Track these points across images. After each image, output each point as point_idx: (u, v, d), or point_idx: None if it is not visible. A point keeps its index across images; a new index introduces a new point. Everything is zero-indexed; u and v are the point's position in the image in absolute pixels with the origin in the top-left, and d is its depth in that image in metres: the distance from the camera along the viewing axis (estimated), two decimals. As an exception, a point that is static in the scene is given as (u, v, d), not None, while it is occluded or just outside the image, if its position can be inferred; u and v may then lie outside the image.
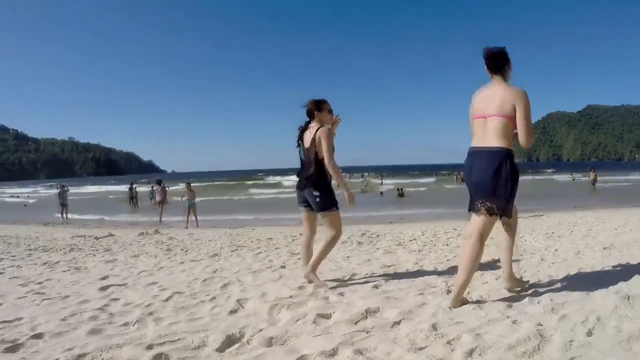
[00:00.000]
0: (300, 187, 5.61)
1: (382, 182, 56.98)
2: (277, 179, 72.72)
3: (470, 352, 3.16)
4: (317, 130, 5.35)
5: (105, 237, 12.98)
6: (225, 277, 6.22)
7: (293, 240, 10.56)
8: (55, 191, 30.53)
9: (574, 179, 55.14)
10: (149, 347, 3.49)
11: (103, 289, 5.76)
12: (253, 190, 50.90)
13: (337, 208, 5.47)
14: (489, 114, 4.20)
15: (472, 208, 4.36)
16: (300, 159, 5.62)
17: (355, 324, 3.93)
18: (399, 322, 3.90)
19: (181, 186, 25.34)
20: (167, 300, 5.04)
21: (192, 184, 20.66)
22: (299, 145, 5.62)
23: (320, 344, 3.41)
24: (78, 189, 62.87)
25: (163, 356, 3.30)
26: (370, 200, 30.05)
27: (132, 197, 34.18)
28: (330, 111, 5.66)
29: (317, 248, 5.63)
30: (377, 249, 8.52)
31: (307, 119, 5.62)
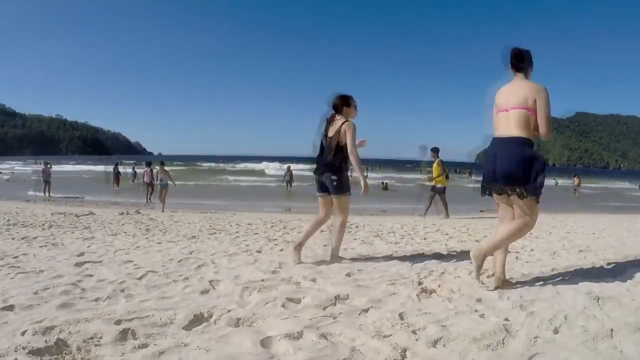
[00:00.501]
0: (318, 172, 6.10)
1: (367, 175, 56.85)
2: (262, 165, 72.26)
3: (434, 342, 3.19)
4: (343, 123, 5.86)
5: (86, 215, 12.96)
6: (201, 258, 6.23)
7: (272, 226, 10.61)
8: (34, 167, 30.13)
9: (557, 184, 55.43)
10: (117, 322, 3.49)
11: (78, 265, 5.77)
12: (236, 177, 50.51)
13: (350, 193, 6.07)
14: (511, 106, 4.52)
15: (500, 192, 4.65)
16: (321, 146, 6.09)
17: (324, 309, 3.96)
18: (367, 310, 3.93)
19: (170, 169, 25.02)
20: (140, 278, 5.05)
21: (176, 168, 20.62)
22: (325, 134, 6.03)
23: (286, 327, 3.42)
24: (62, 167, 62.36)
25: (130, 331, 3.30)
26: (353, 193, 30.10)
27: (116, 176, 34.00)
28: (356, 107, 6.18)
29: (332, 237, 6.33)
30: (355, 239, 8.56)
31: (333, 112, 6.09)
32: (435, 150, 15.84)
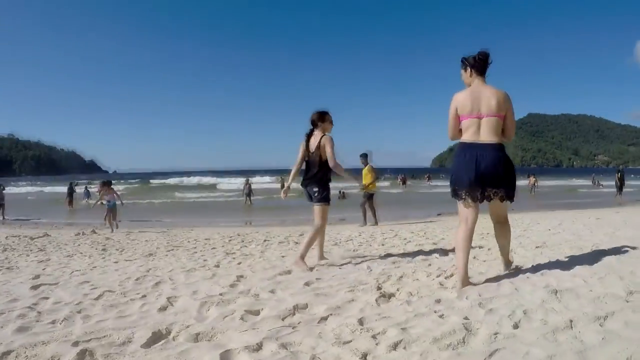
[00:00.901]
0: (304, 184, 6.72)
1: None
2: (213, 180, 70.82)
3: (395, 346, 3.21)
4: (321, 138, 6.53)
5: (41, 237, 12.70)
6: (158, 276, 6.19)
7: (230, 240, 10.55)
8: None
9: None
10: (75, 343, 3.44)
11: (34, 288, 5.65)
12: (189, 193, 49.33)
13: (328, 204, 6.70)
14: (485, 113, 4.73)
15: (473, 197, 4.83)
16: (305, 160, 6.76)
17: (283, 319, 3.96)
18: (326, 318, 3.95)
19: (125, 187, 24.26)
20: (97, 298, 4.98)
21: (130, 185, 20.22)
22: (307, 147, 6.68)
23: (246, 339, 3.42)
24: (16, 188, 61.08)
25: (87, 352, 3.26)
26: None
27: (70, 197, 33.36)
28: (331, 122, 6.79)
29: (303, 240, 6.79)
30: (313, 248, 8.55)
31: (311, 127, 6.74)
32: (365, 156, 15.42)
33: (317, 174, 6.59)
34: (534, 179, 39.32)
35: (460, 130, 4.93)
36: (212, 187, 58.48)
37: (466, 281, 4.88)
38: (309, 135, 6.75)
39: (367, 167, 15.36)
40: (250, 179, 35.30)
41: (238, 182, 44.59)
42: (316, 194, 6.60)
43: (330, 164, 6.49)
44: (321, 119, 6.70)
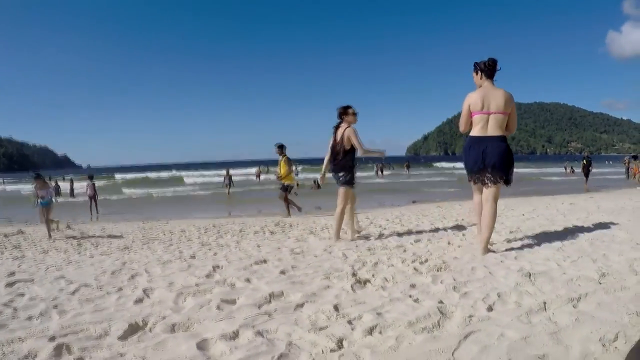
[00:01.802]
0: (332, 170, 7.72)
1: (297, 173, 56.03)
2: (182, 173, 68.36)
3: (370, 330, 3.27)
4: (345, 129, 7.49)
5: (15, 234, 12.55)
6: (134, 268, 6.18)
7: (206, 232, 10.55)
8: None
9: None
10: (51, 338, 3.44)
11: (9, 285, 5.59)
12: (159, 189, 48.02)
13: (352, 187, 7.72)
14: (492, 111, 5.78)
15: (481, 181, 6.00)
16: (333, 150, 7.64)
17: (259, 308, 3.99)
18: (302, 305, 4.00)
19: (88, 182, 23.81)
20: (73, 293, 4.95)
21: (111, 180, 20.08)
22: (334, 139, 7.61)
23: (222, 328, 3.46)
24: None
25: (65, 347, 3.26)
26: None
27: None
28: (354, 113, 7.70)
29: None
30: (289, 237, 8.61)
31: (338, 120, 7.67)
32: (281, 147, 15.09)
33: (341, 161, 7.54)
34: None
35: (471, 124, 5.98)
36: (180, 180, 57.06)
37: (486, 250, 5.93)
38: (336, 127, 7.68)
39: (283, 158, 15.04)
40: (229, 169, 35.26)
41: (210, 174, 44.09)
42: (342, 179, 7.61)
43: (360, 152, 7.59)
44: (344, 112, 7.64)
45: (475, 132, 5.90)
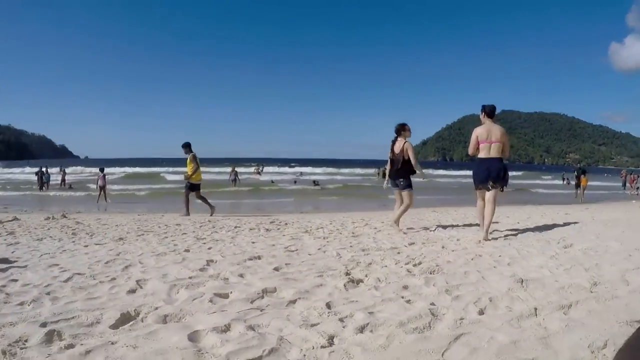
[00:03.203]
0: (392, 177, 9.41)
1: (261, 171, 55.41)
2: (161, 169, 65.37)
3: (362, 328, 3.28)
4: (404, 143, 9.17)
5: (10, 221, 12.51)
6: (128, 259, 6.17)
7: (201, 226, 10.57)
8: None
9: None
10: (43, 324, 3.44)
11: (2, 270, 5.58)
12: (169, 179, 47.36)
13: (412, 188, 9.39)
14: (493, 141, 7.88)
15: (486, 188, 8.02)
16: (390, 159, 9.38)
17: (252, 302, 4.00)
18: (294, 301, 4.01)
19: (90, 173, 24.30)
20: (66, 281, 4.95)
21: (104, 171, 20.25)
22: (392, 150, 9.33)
23: (214, 321, 3.46)
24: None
25: (56, 333, 3.26)
26: (281, 192, 30.39)
27: (42, 181, 33.02)
28: (409, 130, 9.40)
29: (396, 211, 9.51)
30: (284, 235, 8.63)
31: (396, 135, 9.39)
32: (187, 146, 14.92)
33: (401, 169, 9.16)
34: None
35: (478, 149, 8.00)
36: (156, 176, 55.28)
37: (485, 233, 7.82)
38: (393, 142, 9.39)
39: (189, 156, 14.77)
40: (235, 166, 35.87)
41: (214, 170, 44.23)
42: (402, 183, 9.27)
43: (413, 162, 9.14)
44: (403, 129, 9.32)
45: (482, 155, 7.98)
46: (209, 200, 15.02)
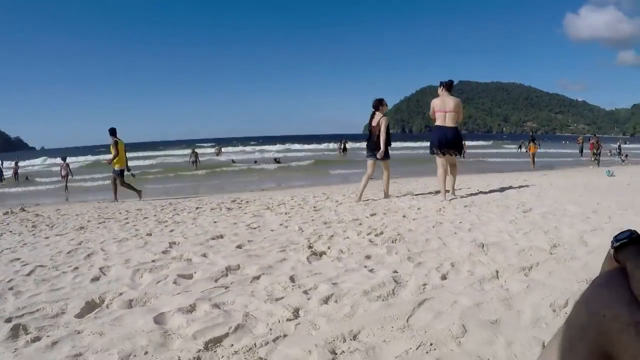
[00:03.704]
0: (370, 147, 9.94)
1: (219, 153, 54.84)
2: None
3: (326, 299, 3.34)
4: (381, 118, 9.82)
5: (-34, 218, 12.27)
6: (90, 247, 6.11)
7: (162, 209, 10.52)
8: None
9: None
10: (8, 320, 3.40)
11: (-38, 269, 5.51)
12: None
13: (389, 158, 10.03)
14: (447, 110, 8.93)
15: (444, 153, 9.06)
16: (369, 132, 9.99)
17: (216, 281, 4.05)
18: (258, 277, 4.06)
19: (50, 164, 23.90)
20: (28, 274, 4.88)
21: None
22: (370, 124, 9.96)
23: (179, 302, 3.49)
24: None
25: (21, 327, 3.22)
26: (242, 172, 30.30)
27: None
28: (385, 104, 10.13)
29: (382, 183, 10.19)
30: (245, 213, 8.65)
31: (373, 110, 9.98)
32: (110, 132, 14.61)
33: (377, 141, 9.71)
34: (464, 144, 39.93)
35: (435, 117, 9.05)
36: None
37: (444, 196, 8.89)
38: (372, 116, 9.94)
39: (112, 142, 14.57)
40: (195, 147, 36.03)
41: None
42: (378, 155, 9.70)
43: (382, 138, 9.65)
44: (380, 104, 9.96)
45: (438, 123, 9.03)
46: (134, 186, 15.00)
